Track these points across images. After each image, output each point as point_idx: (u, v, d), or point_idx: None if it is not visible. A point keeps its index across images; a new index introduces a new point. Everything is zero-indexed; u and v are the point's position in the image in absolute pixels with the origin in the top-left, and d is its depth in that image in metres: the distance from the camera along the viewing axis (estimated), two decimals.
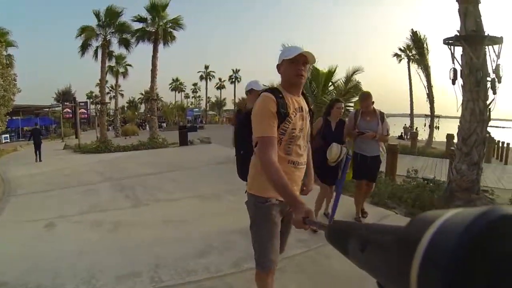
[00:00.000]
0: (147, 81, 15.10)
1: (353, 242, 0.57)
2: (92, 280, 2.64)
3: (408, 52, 21.67)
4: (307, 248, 3.13)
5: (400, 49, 22.51)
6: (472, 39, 4.38)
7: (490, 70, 4.39)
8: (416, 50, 19.83)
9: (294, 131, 1.73)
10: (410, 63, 21.86)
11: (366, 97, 3.80)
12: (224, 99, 57.59)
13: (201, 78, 56.25)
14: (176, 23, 15.32)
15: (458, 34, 4.52)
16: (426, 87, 18.81)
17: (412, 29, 20.21)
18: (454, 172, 4.41)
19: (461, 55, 4.44)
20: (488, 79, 4.33)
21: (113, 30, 15.66)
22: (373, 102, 3.78)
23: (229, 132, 20.55)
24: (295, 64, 1.68)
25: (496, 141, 15.96)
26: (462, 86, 4.40)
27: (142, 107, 53.96)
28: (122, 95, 45.33)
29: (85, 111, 23.67)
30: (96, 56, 16.69)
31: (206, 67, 55.40)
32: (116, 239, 3.55)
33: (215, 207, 4.75)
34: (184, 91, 63.13)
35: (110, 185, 6.26)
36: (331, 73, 8.95)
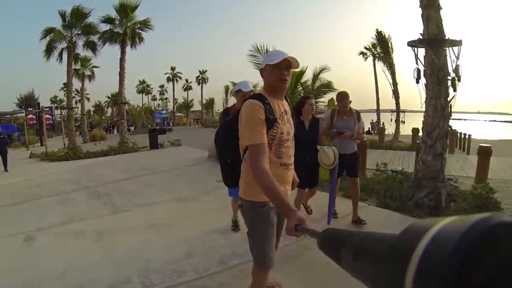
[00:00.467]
0: (113, 84, 14.81)
1: (346, 250, 0.56)
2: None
3: (373, 50, 22.57)
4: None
5: (366, 48, 23.37)
6: (433, 42, 4.70)
7: (450, 70, 4.75)
8: (381, 48, 20.73)
9: (283, 135, 1.75)
10: (376, 61, 22.75)
11: (344, 97, 3.86)
12: (192, 100, 56.64)
13: (168, 79, 55.23)
14: (145, 24, 15.04)
15: (421, 37, 4.85)
16: (392, 83, 19.69)
17: (377, 29, 21.10)
18: (420, 163, 4.73)
19: (424, 56, 4.77)
20: (449, 78, 4.68)
21: (80, 32, 15.05)
22: (350, 102, 3.85)
23: (199, 133, 20.57)
24: (278, 69, 1.69)
25: (458, 133, 17.03)
26: (425, 85, 4.73)
27: (109, 111, 52.33)
28: (88, 98, 43.76)
29: (50, 117, 22.66)
30: (61, 59, 15.89)
31: (173, 69, 54.47)
32: (102, 248, 3.52)
33: (193, 208, 4.85)
34: (151, 93, 62.14)
35: (85, 193, 6.11)
36: (302, 73, 9.05)
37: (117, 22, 14.48)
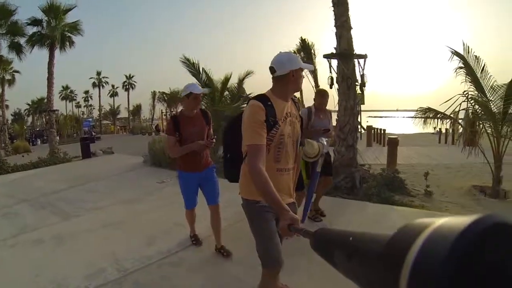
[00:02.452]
0: (34, 90, 13.95)
1: (339, 251, 0.56)
2: (61, 286, 2.89)
3: (298, 54, 24.94)
4: None
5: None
6: (344, 55, 5.79)
7: (358, 78, 5.89)
8: (304, 54, 22.99)
9: (283, 137, 1.77)
10: None
11: (324, 95, 3.92)
12: (119, 106, 54.27)
13: (94, 85, 52.11)
14: (75, 27, 14.40)
15: (334, 51, 5.91)
16: (314, 86, 21.92)
17: (301, 37, 23.47)
18: (336, 153, 5.78)
19: (337, 66, 5.84)
20: (357, 84, 5.82)
21: (4, 31, 13.86)
22: (327, 100, 3.94)
23: (128, 141, 20.09)
24: (301, 76, 1.83)
25: (375, 129, 19.57)
26: (337, 90, 5.81)
27: (29, 120, 47.74)
28: (7, 106, 39.46)
29: None
30: None
31: (99, 73, 51.53)
32: (67, 250, 3.74)
33: (141, 207, 5.24)
34: (75, 100, 58.56)
35: (28, 205, 6.02)
36: (227, 80, 9.46)
37: (45, 24, 13.62)
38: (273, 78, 1.82)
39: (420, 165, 9.28)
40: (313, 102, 4.01)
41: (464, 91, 6.13)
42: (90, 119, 41.77)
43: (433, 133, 19.49)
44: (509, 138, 5.93)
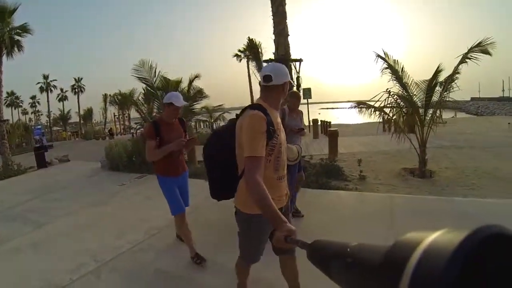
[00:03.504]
0: None
1: (336, 262, 0.57)
2: (50, 282, 3.28)
3: (247, 52, 26.81)
4: None
5: (239, 51, 27.94)
6: (282, 60, 6.60)
7: (294, 79, 6.75)
8: (251, 54, 24.68)
9: (281, 146, 1.82)
10: (249, 62, 27.26)
11: (299, 97, 4.24)
12: (69, 111, 51.72)
13: (42, 89, 49.94)
14: (24, 30, 13.74)
15: (273, 56, 6.71)
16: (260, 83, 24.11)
17: (249, 37, 24.96)
18: None
19: None
20: (293, 85, 6.66)
21: None
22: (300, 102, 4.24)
23: (82, 147, 19.92)
24: (287, 87, 1.89)
25: (322, 121, 21.29)
26: None
27: None
28: None
29: None
30: None
31: (46, 77, 49.47)
32: (46, 253, 4.08)
33: (107, 208, 5.73)
34: (21, 106, 56.00)
35: None
36: (178, 82, 10.05)
37: None
38: (266, 86, 1.85)
39: (361, 153, 10.39)
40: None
41: (387, 89, 7.23)
42: (40, 126, 39.48)
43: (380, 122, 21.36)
44: (429, 126, 7.10)
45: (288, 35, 6.77)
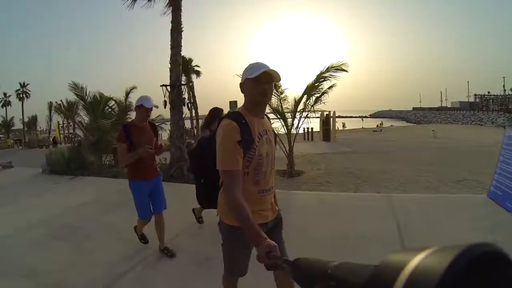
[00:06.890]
0: None
1: (320, 282, 0.56)
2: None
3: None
4: None
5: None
6: (173, 85, 8.37)
7: (186, 99, 8.61)
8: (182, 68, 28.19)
9: (261, 158, 1.67)
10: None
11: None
12: (12, 118, 48.10)
13: None
14: None
15: (169, 81, 8.50)
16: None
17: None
18: (170, 153, 8.41)
19: (169, 93, 8.46)
20: (183, 103, 8.51)
21: None
22: None
23: (26, 155, 21.91)
24: (258, 83, 1.59)
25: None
26: (170, 108, 8.41)
27: None
28: None
29: None
30: None
31: None
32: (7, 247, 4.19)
33: (42, 199, 6.49)
34: None
35: None
36: (108, 99, 10.80)
37: None
38: (241, 90, 1.71)
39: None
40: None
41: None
42: None
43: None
44: (294, 137, 8.59)
45: (180, 64, 8.46)
